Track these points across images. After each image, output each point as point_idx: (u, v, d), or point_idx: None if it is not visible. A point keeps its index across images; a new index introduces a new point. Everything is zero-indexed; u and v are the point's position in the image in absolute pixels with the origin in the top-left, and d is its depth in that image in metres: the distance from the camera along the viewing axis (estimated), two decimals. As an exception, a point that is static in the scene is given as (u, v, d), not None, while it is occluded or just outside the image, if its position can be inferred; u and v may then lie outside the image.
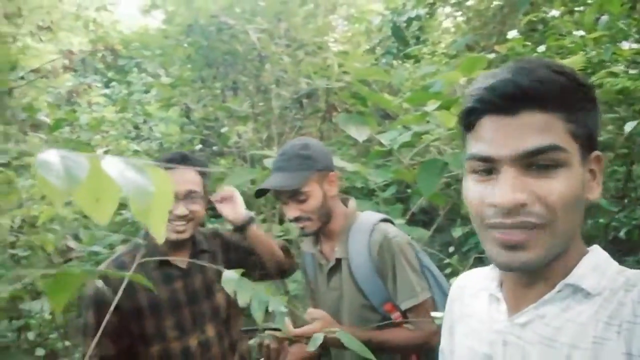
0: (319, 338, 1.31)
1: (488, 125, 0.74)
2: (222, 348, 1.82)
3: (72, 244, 2.11)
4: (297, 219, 1.68)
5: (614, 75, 2.55)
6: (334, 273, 1.76)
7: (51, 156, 0.42)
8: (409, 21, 5.35)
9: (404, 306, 1.61)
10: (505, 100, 0.72)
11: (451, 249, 4.02)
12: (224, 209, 1.87)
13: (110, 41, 3.15)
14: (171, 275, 1.76)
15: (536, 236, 0.72)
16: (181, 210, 1.66)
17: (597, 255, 0.80)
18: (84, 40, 3.53)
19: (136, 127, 4.12)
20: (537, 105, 0.71)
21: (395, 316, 1.65)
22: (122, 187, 0.43)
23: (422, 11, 5.35)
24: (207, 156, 3.48)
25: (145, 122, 3.45)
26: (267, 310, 1.04)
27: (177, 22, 2.74)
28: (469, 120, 0.78)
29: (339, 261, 1.73)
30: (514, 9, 4.88)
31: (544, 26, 3.89)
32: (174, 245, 1.76)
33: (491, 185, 0.74)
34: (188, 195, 1.68)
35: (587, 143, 0.75)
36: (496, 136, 0.73)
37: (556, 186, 0.71)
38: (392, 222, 1.78)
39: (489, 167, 0.75)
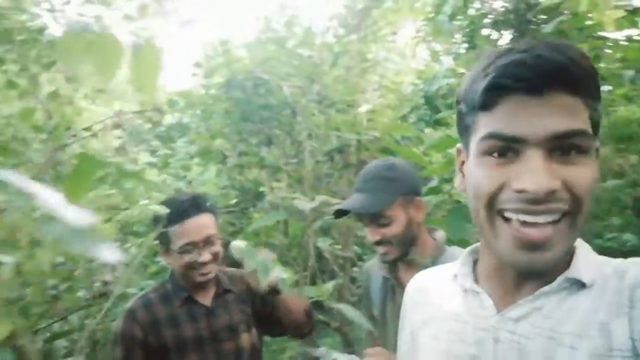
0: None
1: (514, 103, 0.69)
2: None
3: (109, 277, 2.19)
4: (377, 243, 1.61)
5: None
6: None
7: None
8: (439, 89, 5.53)
9: None
10: (538, 78, 0.67)
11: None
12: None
13: (157, 102, 3.41)
14: (196, 313, 1.79)
15: (558, 232, 0.69)
16: (205, 257, 1.73)
17: (584, 247, 0.79)
18: (134, 102, 3.83)
19: (177, 191, 4.32)
20: (568, 86, 0.68)
21: None
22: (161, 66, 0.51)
23: (452, 80, 5.53)
24: (242, 210, 3.59)
25: (185, 177, 3.63)
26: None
27: (216, 78, 2.97)
28: (490, 97, 0.71)
29: None
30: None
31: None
32: (199, 285, 1.81)
33: (512, 168, 0.70)
34: (208, 241, 1.74)
35: (595, 131, 0.73)
36: (524, 115, 0.68)
37: (584, 173, 0.69)
38: None
39: (508, 148, 0.70)
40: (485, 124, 0.73)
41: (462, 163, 0.84)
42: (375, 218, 1.59)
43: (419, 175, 1.73)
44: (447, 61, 6.33)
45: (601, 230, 2.98)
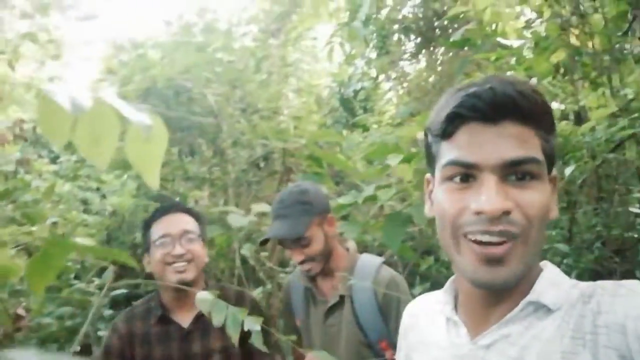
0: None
1: (470, 132, 0.74)
2: None
3: (22, 311, 1.98)
4: (302, 262, 1.73)
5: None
6: (334, 310, 1.78)
7: (56, 87, 0.43)
8: (356, 92, 5.65)
9: None
10: (491, 108, 0.72)
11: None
12: None
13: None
14: (171, 334, 1.70)
15: (514, 249, 0.72)
16: (178, 249, 1.65)
17: (551, 270, 0.81)
18: (34, 109, 3.48)
19: (84, 202, 4.02)
20: (519, 117, 0.72)
21: (389, 354, 1.67)
22: (121, 123, 0.44)
23: (366, 83, 5.68)
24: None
25: (98, 189, 3.37)
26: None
27: (133, 87, 2.78)
28: (449, 127, 0.76)
29: (342, 298, 1.75)
30: (451, 79, 5.26)
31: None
32: (181, 299, 1.71)
33: (471, 192, 0.74)
34: (184, 235, 1.67)
35: (550, 162, 0.77)
36: (479, 143, 0.73)
37: (535, 197, 0.72)
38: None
39: (467, 174, 0.74)
40: (447, 152, 0.77)
41: (431, 191, 0.87)
42: (297, 240, 1.71)
43: (326, 194, 1.89)
44: (361, 64, 6.50)
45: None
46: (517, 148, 0.71)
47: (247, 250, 3.32)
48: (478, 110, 0.72)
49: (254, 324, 0.94)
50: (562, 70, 3.50)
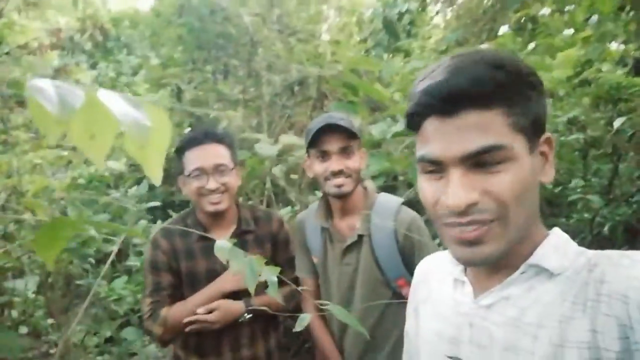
0: (306, 318, 1.31)
1: (431, 126, 0.74)
2: (258, 327, 1.85)
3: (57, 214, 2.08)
4: (339, 172, 1.71)
5: (602, 72, 2.59)
6: (352, 249, 1.79)
7: (44, 83, 0.41)
8: (400, 15, 5.37)
9: None
10: (443, 103, 0.72)
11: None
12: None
13: (99, 20, 3.09)
14: (211, 249, 1.77)
15: (492, 230, 0.73)
16: (212, 184, 1.71)
17: (558, 236, 0.81)
18: (72, 18, 3.46)
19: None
20: (475, 104, 0.71)
21: (405, 291, 1.69)
22: (118, 121, 0.41)
23: (413, 5, 5.37)
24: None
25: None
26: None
27: (168, 2, 2.70)
28: (413, 122, 0.77)
29: (360, 238, 1.76)
30: (504, 6, 4.91)
31: (534, 24, 3.92)
32: (217, 220, 1.80)
33: (442, 184, 0.75)
34: (217, 169, 1.73)
35: (534, 130, 0.75)
36: (440, 138, 0.73)
37: (504, 181, 0.72)
38: None
39: (437, 168, 0.75)
40: (418, 146, 0.78)
41: None
42: (343, 149, 1.71)
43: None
44: (409, -17, 6.10)
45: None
46: (477, 138, 0.71)
47: (278, 170, 3.35)
48: (432, 106, 0.73)
49: (271, 274, 0.95)
50: (627, 9, 3.21)
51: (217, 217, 1.80)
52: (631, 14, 3.16)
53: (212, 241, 1.74)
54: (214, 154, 1.74)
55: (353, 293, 1.78)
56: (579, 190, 2.90)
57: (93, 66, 4.78)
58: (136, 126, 0.42)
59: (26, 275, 2.22)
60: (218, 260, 1.73)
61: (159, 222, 5.38)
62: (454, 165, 0.73)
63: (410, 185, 3.02)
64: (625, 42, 3.31)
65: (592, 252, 0.77)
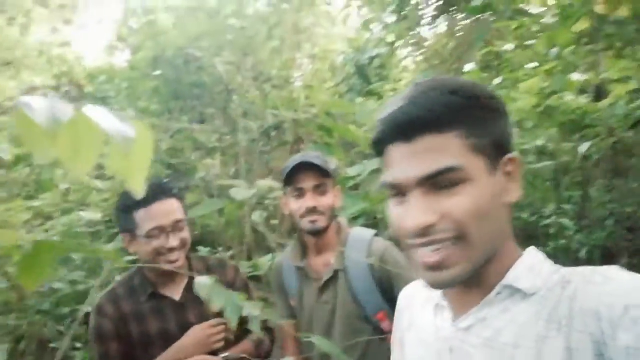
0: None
1: (391, 153, 0.78)
2: None
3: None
4: (312, 210, 1.72)
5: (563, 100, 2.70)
6: (328, 286, 1.78)
7: (34, 99, 0.43)
8: (371, 59, 5.54)
9: None
10: (399, 130, 0.75)
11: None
12: None
13: (75, 77, 3.13)
14: (163, 308, 1.69)
15: (452, 252, 0.74)
16: (172, 242, 1.62)
17: (532, 256, 0.81)
18: (48, 76, 3.51)
19: (100, 167, 4.05)
20: (430, 129, 0.74)
21: (385, 325, 1.68)
22: (103, 134, 0.43)
23: (383, 50, 5.56)
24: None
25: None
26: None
27: (143, 55, 2.76)
28: (377, 149, 0.81)
29: (335, 273, 1.75)
30: (470, 46, 5.12)
31: (499, 60, 4.09)
32: (170, 277, 1.70)
33: (404, 208, 0.77)
34: (176, 226, 1.64)
35: (495, 150, 0.77)
36: (399, 163, 0.76)
37: (461, 202, 0.74)
38: None
39: (400, 192, 0.78)
40: (384, 172, 0.81)
41: None
42: (317, 186, 1.74)
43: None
44: (378, 30, 6.34)
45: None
46: (432, 161, 0.73)
47: (258, 217, 3.34)
48: (388, 135, 0.76)
49: (253, 309, 0.95)
50: (584, 41, 3.38)
51: (172, 274, 1.70)
52: (588, 46, 3.32)
53: (163, 300, 1.69)
54: (171, 210, 1.65)
55: (332, 331, 1.76)
56: (552, 217, 2.96)
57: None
58: (121, 137, 0.44)
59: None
60: (170, 318, 1.69)
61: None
62: (413, 188, 0.75)
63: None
64: (585, 72, 3.46)
65: (566, 270, 0.78)
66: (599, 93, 3.32)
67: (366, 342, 1.71)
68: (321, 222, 1.74)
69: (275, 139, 3.45)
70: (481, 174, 0.75)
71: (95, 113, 0.45)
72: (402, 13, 5.73)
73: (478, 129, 0.76)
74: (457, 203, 0.74)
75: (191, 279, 1.74)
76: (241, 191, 2.22)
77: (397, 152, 0.77)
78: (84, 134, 0.45)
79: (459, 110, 0.75)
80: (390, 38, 6.11)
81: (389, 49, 5.83)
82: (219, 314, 1.73)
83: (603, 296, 0.69)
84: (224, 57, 2.90)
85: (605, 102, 2.73)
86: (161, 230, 1.62)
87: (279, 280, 1.97)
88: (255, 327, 0.94)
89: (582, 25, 3.17)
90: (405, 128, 0.75)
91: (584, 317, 0.69)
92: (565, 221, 2.63)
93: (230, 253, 3.76)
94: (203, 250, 5.87)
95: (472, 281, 0.80)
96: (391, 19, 6.05)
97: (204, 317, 1.72)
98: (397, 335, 1.05)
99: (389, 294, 1.68)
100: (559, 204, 3.06)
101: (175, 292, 1.72)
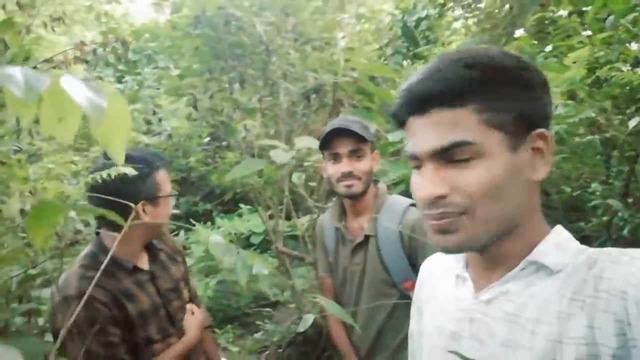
0: (309, 318, 1.34)
1: (410, 125, 0.80)
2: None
3: (80, 226, 2.15)
4: (348, 175, 1.77)
5: (619, 71, 2.54)
6: (360, 249, 1.84)
7: (13, 70, 0.45)
8: (419, 21, 5.37)
9: None
10: (416, 102, 0.77)
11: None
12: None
13: (122, 33, 3.20)
14: (143, 281, 1.68)
15: (460, 222, 0.76)
16: (170, 209, 1.68)
17: (559, 234, 0.82)
18: (96, 32, 3.59)
19: (148, 122, 4.18)
20: (445, 103, 0.75)
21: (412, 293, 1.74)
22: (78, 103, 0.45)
23: (432, 11, 5.36)
24: (215, 149, 3.51)
25: (154, 113, 3.49)
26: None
27: (184, 14, 2.78)
28: (398, 122, 0.84)
29: (367, 238, 1.80)
30: (523, 9, 4.87)
31: (553, 26, 3.88)
32: (137, 247, 1.71)
33: (420, 178, 0.80)
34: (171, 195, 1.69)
35: (519, 126, 0.76)
36: (416, 135, 0.79)
37: (473, 176, 0.74)
38: None
39: (418, 162, 0.81)
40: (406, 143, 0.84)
41: None
42: (353, 151, 1.76)
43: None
44: (428, -11, 6.10)
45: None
46: (446, 134, 0.74)
47: (296, 178, 3.38)
48: (408, 106, 0.79)
49: (262, 268, 0.99)
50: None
51: (140, 244, 1.70)
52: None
53: (139, 273, 1.66)
54: (169, 179, 1.70)
55: (361, 293, 1.82)
56: (597, 193, 2.85)
57: (119, 79, 4.92)
58: (93, 107, 0.46)
59: (52, 284, 2.29)
60: (151, 289, 1.67)
61: (181, 232, 5.48)
62: (427, 160, 0.78)
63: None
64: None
65: (592, 250, 0.78)
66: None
67: (392, 306, 1.75)
68: (357, 186, 1.78)
69: (315, 101, 3.43)
70: (498, 150, 0.75)
71: (71, 84, 0.47)
72: (455, -28, 5.47)
73: (496, 104, 0.74)
74: (469, 177, 0.75)
75: (151, 247, 1.77)
76: (280, 154, 2.24)
77: (415, 124, 0.79)
78: (65, 103, 0.47)
79: (474, 85, 0.74)
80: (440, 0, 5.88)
81: (439, 10, 5.62)
82: (183, 275, 1.80)
83: (629, 276, 0.68)
84: (265, 17, 2.87)
85: (661, 74, 2.56)
86: (169, 195, 1.67)
87: (320, 237, 2.06)
88: (263, 286, 0.97)
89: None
90: (419, 101, 0.77)
91: (609, 297, 0.69)
92: (614, 201, 2.53)
93: (269, 212, 3.84)
94: (244, 208, 6.02)
95: (494, 254, 0.82)
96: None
97: (175, 279, 1.79)
98: (416, 306, 1.07)
99: (416, 264, 1.70)
100: (607, 179, 2.94)
101: (143, 262, 1.72)
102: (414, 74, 0.81)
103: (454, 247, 0.79)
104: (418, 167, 0.82)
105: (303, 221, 3.65)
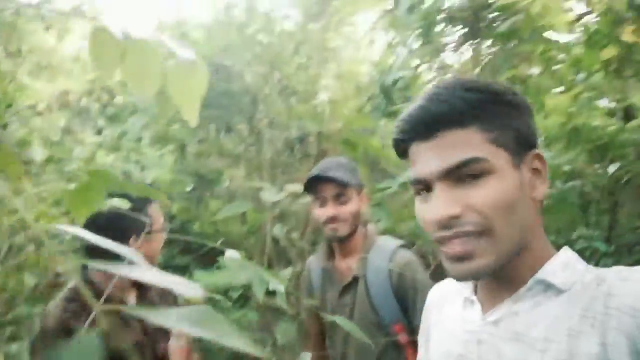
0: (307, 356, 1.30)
1: (415, 150, 0.80)
2: None
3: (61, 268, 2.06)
4: (332, 219, 1.74)
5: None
6: (348, 290, 1.80)
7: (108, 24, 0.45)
8: (396, 82, 5.58)
9: None
10: (421, 127, 0.78)
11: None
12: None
13: (108, 82, 3.22)
14: (127, 318, 1.60)
15: (478, 245, 0.75)
16: (161, 244, 1.64)
17: (567, 254, 0.82)
18: (82, 82, 3.61)
19: (126, 174, 4.13)
20: (451, 125, 0.76)
21: (403, 337, 1.68)
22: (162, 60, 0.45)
23: (407, 72, 5.60)
24: (199, 198, 3.48)
25: (138, 162, 3.46)
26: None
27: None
28: (399, 150, 0.84)
29: (355, 279, 1.77)
30: (495, 72, 5.13)
31: (524, 85, 4.09)
32: (122, 284, 1.63)
33: (429, 202, 0.79)
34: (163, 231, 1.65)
35: (519, 145, 0.78)
36: (423, 159, 0.78)
37: (485, 193, 0.74)
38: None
39: (425, 187, 0.80)
40: (409, 171, 0.84)
41: None
42: (337, 196, 1.75)
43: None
44: (403, 53, 6.41)
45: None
46: (455, 154, 0.75)
47: (278, 230, 3.35)
48: (413, 132, 0.79)
49: (278, 285, 0.97)
50: (612, 67, 3.37)
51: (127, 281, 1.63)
52: (616, 74, 3.31)
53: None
54: (160, 213, 1.65)
55: (350, 336, 1.77)
56: (580, 240, 2.91)
57: (99, 132, 4.89)
58: (185, 58, 0.46)
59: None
60: (138, 329, 1.60)
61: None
62: (437, 182, 0.77)
63: (413, 236, 3.03)
64: (613, 99, 3.44)
65: (601, 270, 0.78)
66: (628, 117, 3.29)
67: (381, 350, 1.70)
68: (342, 230, 1.76)
69: (300, 151, 3.47)
70: (504, 167, 0.76)
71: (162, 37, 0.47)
72: (427, 38, 5.78)
73: (498, 123, 0.77)
74: (481, 194, 0.74)
75: (141, 285, 1.69)
76: (271, 193, 2.21)
77: (420, 149, 0.79)
78: (150, 56, 0.47)
79: (477, 106, 0.76)
80: (415, 62, 6.16)
81: (413, 72, 5.87)
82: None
83: None
84: (252, 69, 2.96)
85: (633, 124, 2.70)
86: (158, 232, 1.61)
87: (308, 280, 2.01)
88: (281, 301, 0.94)
89: (610, 52, 3.17)
90: (425, 125, 0.77)
91: (620, 314, 0.68)
92: (599, 244, 2.58)
93: (253, 262, 3.77)
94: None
95: (502, 275, 0.81)
96: (416, 43, 6.12)
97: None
98: (424, 334, 1.05)
99: (406, 307, 1.68)
100: (587, 228, 3.01)
101: (132, 299, 1.66)
102: (412, 104, 0.81)
103: (473, 275, 0.77)
104: (423, 193, 0.81)
105: (286, 274, 3.58)
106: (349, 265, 1.82)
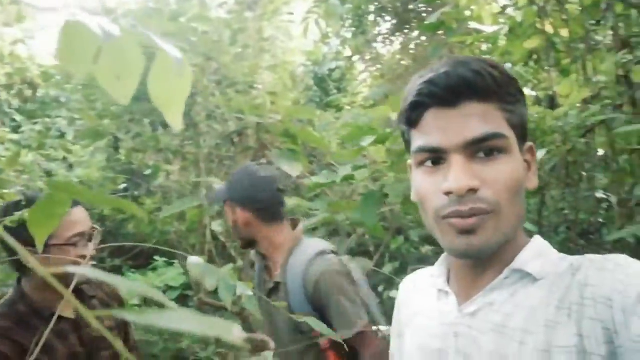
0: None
1: (433, 118, 0.77)
2: None
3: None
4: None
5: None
6: (274, 292, 1.82)
7: (83, 16, 0.40)
8: (330, 72, 5.61)
9: (343, 335, 1.60)
10: (448, 92, 0.74)
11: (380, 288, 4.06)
12: None
13: (29, 75, 2.98)
14: (63, 330, 1.52)
15: (486, 221, 0.74)
16: (91, 250, 1.48)
17: (538, 242, 0.83)
18: (1, 73, 3.30)
19: (49, 174, 3.86)
20: (477, 96, 0.74)
21: (324, 342, 1.69)
22: (143, 60, 0.41)
23: (341, 63, 5.64)
24: (132, 196, 3.32)
25: (65, 159, 3.23)
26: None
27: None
28: (413, 115, 0.79)
29: (277, 285, 1.78)
30: (424, 62, 5.28)
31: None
32: (57, 294, 1.49)
33: (442, 174, 0.76)
34: (92, 235, 1.52)
35: (522, 133, 0.80)
36: (442, 127, 0.75)
37: (502, 170, 0.74)
38: (334, 252, 1.80)
39: (437, 158, 0.77)
40: (416, 139, 0.80)
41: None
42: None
43: (253, 188, 1.85)
44: (336, 44, 6.44)
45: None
46: (479, 126, 0.74)
47: (218, 226, 3.27)
48: (435, 96, 0.75)
49: (245, 289, 0.93)
50: (535, 57, 3.55)
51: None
52: (540, 63, 3.50)
53: (61, 321, 1.47)
54: (86, 216, 1.53)
55: (277, 331, 1.81)
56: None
57: (15, 130, 4.54)
58: (172, 56, 0.41)
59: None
60: (74, 340, 1.52)
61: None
62: (456, 152, 0.75)
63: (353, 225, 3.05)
64: (535, 87, 3.64)
65: (573, 257, 0.78)
66: (552, 104, 3.49)
67: (301, 352, 1.72)
68: (240, 243, 1.92)
69: (239, 144, 3.40)
70: (516, 150, 0.77)
71: (145, 34, 0.43)
72: (359, 29, 5.85)
73: (512, 106, 0.77)
74: (499, 172, 0.74)
75: (81, 293, 1.61)
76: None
77: (440, 116, 0.76)
78: (128, 56, 0.42)
79: (500, 83, 0.76)
80: (348, 52, 6.22)
81: (347, 63, 5.92)
82: (118, 324, 1.67)
83: (615, 283, 0.68)
84: (187, 59, 2.84)
85: (559, 111, 2.87)
86: (82, 237, 1.49)
87: (256, 274, 2.01)
88: (249, 306, 0.91)
89: (533, 42, 3.33)
90: (452, 91, 0.74)
91: (595, 304, 0.69)
92: (529, 226, 2.72)
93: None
94: (159, 261, 5.69)
95: (485, 264, 0.81)
96: (348, 33, 6.17)
97: (96, 329, 1.60)
98: (396, 328, 1.03)
99: (324, 314, 1.67)
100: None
101: (68, 310, 1.55)
102: (429, 70, 0.77)
103: (476, 250, 0.75)
104: (429, 165, 0.78)
105: (226, 270, 3.52)
106: (276, 267, 1.83)
